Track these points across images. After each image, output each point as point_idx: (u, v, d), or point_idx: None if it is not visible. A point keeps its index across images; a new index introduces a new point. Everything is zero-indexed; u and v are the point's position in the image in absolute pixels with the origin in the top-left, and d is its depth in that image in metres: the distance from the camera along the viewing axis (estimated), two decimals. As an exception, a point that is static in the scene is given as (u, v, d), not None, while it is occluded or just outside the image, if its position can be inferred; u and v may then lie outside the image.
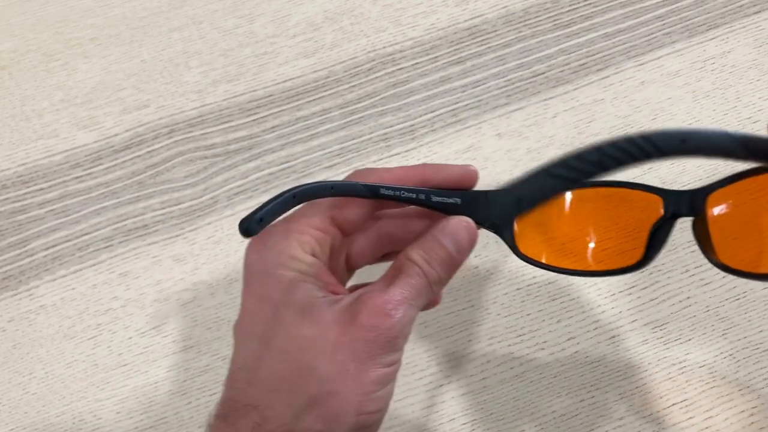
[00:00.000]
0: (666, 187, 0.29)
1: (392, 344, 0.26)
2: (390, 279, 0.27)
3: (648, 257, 0.29)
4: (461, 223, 0.29)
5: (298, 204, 0.28)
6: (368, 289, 0.27)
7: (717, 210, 0.28)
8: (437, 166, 0.30)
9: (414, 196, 0.29)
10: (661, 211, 0.28)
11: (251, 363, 0.27)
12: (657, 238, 0.29)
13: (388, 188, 0.28)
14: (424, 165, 0.30)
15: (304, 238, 0.28)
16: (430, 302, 0.31)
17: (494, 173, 0.46)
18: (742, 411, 0.39)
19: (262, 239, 0.28)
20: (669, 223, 0.29)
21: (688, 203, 0.28)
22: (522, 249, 0.30)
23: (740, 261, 0.28)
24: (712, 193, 0.28)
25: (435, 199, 0.29)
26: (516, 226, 0.30)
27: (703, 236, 0.28)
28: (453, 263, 0.28)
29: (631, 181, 0.29)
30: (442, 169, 0.30)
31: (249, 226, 0.26)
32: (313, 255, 0.28)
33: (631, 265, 0.29)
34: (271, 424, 0.25)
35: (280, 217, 0.28)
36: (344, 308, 0.27)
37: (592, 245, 0.31)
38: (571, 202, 0.30)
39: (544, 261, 0.30)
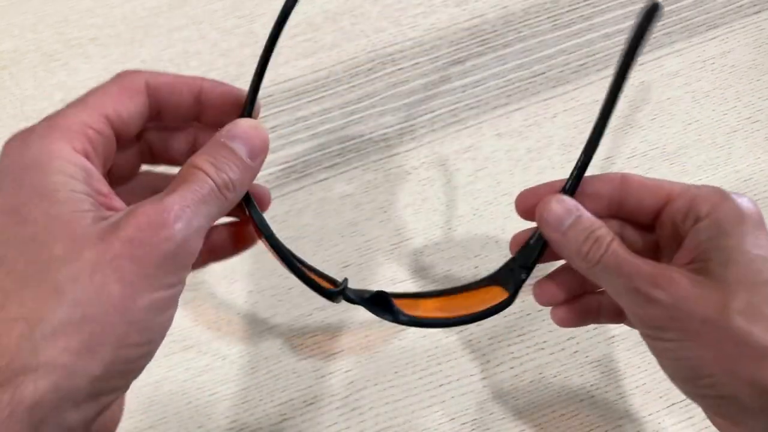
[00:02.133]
0: None
1: (172, 262, 0.22)
2: (169, 190, 0.23)
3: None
4: (250, 123, 0.26)
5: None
6: (143, 202, 0.23)
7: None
8: (216, 82, 0.28)
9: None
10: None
11: (21, 333, 0.21)
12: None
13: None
14: (202, 78, 0.27)
15: (73, 135, 0.23)
16: (240, 225, 0.28)
17: (494, 173, 0.46)
18: (742, 411, 0.39)
19: (22, 135, 0.24)
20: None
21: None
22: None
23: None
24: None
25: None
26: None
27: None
28: (246, 168, 0.25)
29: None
30: (220, 86, 0.28)
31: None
32: (86, 156, 0.24)
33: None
34: (3, 361, 0.20)
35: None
36: (112, 223, 0.22)
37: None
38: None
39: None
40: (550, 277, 0.33)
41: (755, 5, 0.52)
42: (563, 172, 0.46)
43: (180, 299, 0.41)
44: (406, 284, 0.43)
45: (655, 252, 0.31)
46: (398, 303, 0.32)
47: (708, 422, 0.37)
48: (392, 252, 0.44)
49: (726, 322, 0.25)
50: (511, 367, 0.41)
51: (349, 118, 0.49)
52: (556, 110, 0.49)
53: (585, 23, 0.52)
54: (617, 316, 0.33)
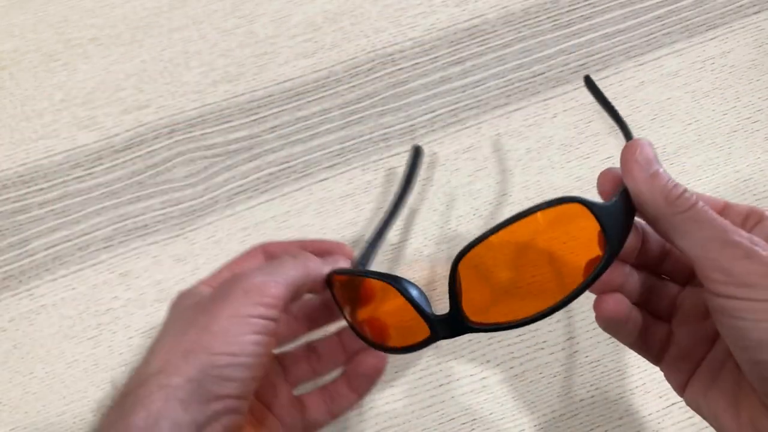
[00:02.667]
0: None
1: (247, 298, 0.29)
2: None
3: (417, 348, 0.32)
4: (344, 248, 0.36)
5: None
6: None
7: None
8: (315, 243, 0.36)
9: None
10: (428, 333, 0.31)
11: (142, 362, 0.30)
12: (421, 347, 0.32)
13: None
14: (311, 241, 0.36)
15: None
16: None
17: (494, 173, 0.46)
18: (742, 411, 0.39)
19: (177, 300, 0.33)
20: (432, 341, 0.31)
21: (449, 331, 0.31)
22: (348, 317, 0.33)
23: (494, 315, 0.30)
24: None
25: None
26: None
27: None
28: (319, 265, 0.33)
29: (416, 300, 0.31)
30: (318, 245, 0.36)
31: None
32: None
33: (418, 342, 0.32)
34: (134, 375, 0.28)
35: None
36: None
37: (387, 327, 0.33)
38: (376, 289, 0.33)
39: (360, 331, 0.33)
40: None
41: (755, 5, 0.52)
42: (563, 172, 0.47)
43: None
44: (406, 284, 0.43)
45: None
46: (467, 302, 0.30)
47: (707, 423, 0.37)
48: (392, 252, 0.44)
49: None
50: (511, 367, 0.41)
51: (349, 118, 0.49)
52: (556, 110, 0.49)
53: (585, 23, 0.52)
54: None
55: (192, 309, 0.31)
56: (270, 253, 0.35)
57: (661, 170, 0.28)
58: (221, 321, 0.29)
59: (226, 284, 0.31)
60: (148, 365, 0.28)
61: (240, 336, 0.29)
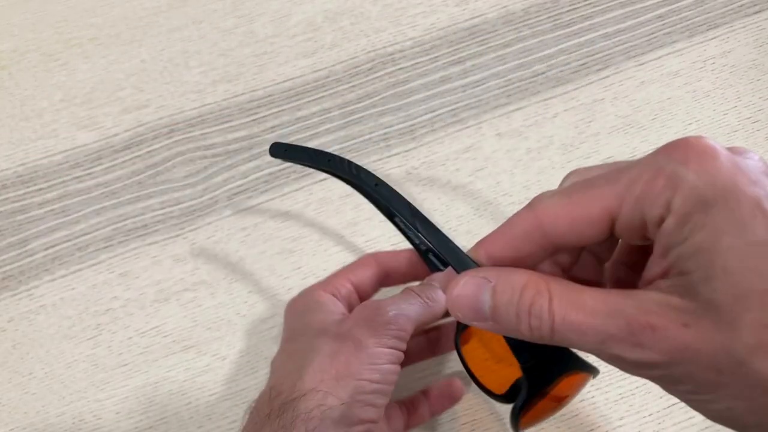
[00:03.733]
0: None
1: (387, 329, 0.31)
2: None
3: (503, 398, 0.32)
4: (439, 276, 0.35)
5: (323, 167, 0.34)
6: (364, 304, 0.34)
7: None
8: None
9: (418, 242, 0.33)
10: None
11: (276, 365, 0.33)
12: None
13: (404, 222, 0.33)
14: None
15: (329, 286, 0.35)
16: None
17: (494, 173, 0.46)
18: (743, 411, 0.39)
19: (295, 296, 0.36)
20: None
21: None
22: (461, 344, 0.33)
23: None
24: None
25: (430, 256, 0.33)
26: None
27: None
28: (439, 297, 0.34)
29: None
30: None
31: (276, 150, 0.33)
32: (337, 299, 0.35)
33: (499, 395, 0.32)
34: (284, 392, 0.30)
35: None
36: (346, 317, 0.34)
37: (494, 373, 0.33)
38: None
39: (470, 367, 0.33)
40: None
41: (756, 5, 0.52)
42: (563, 171, 0.46)
43: (180, 300, 0.42)
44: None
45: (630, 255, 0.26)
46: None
47: (708, 422, 0.37)
48: (392, 252, 0.44)
49: (742, 368, 0.19)
50: (511, 368, 0.41)
51: (349, 118, 0.49)
52: (556, 110, 0.48)
53: (585, 23, 0.52)
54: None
55: (330, 328, 0.32)
56: (381, 263, 0.37)
57: (494, 311, 0.23)
58: (369, 349, 0.31)
59: (366, 312, 0.32)
60: (301, 380, 0.30)
61: (383, 365, 0.31)
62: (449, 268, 0.30)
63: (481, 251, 0.25)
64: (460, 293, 0.24)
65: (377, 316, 0.32)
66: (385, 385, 0.31)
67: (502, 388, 0.31)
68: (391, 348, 0.31)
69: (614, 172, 0.22)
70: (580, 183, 0.23)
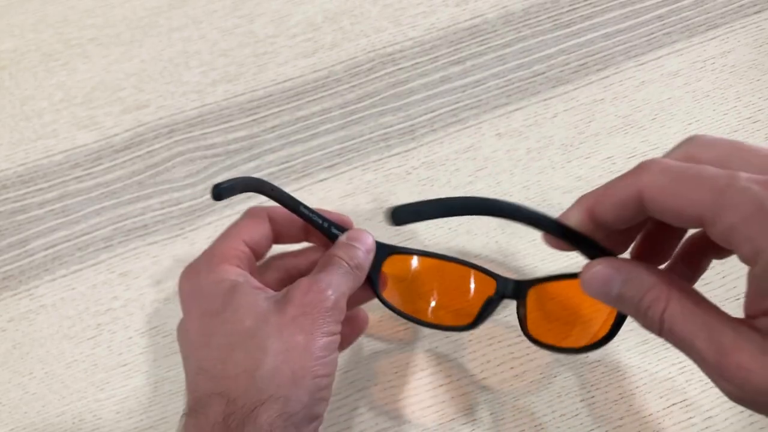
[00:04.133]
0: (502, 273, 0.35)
1: (331, 315, 0.30)
2: (317, 271, 0.32)
3: (476, 323, 0.35)
4: (361, 232, 0.35)
5: (254, 191, 0.33)
6: (300, 280, 0.32)
7: (535, 298, 0.34)
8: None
9: (320, 222, 0.34)
10: (493, 291, 0.34)
11: (208, 365, 0.30)
12: (486, 310, 0.35)
13: (306, 208, 0.34)
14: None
15: (229, 256, 0.33)
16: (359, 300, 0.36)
17: (494, 173, 0.46)
18: (742, 411, 0.39)
19: (191, 269, 0.33)
20: (497, 301, 0.35)
21: (514, 290, 0.34)
22: (383, 293, 0.36)
23: (547, 337, 0.34)
24: (534, 285, 0.34)
25: (333, 230, 0.35)
26: (381, 275, 0.35)
27: (521, 314, 0.35)
28: (364, 257, 0.34)
29: (475, 263, 0.36)
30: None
31: (221, 191, 0.31)
32: (240, 268, 0.33)
33: (462, 325, 0.35)
34: (239, 403, 0.29)
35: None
36: (279, 298, 0.31)
37: (434, 303, 0.37)
38: (427, 268, 0.37)
39: (396, 306, 0.36)
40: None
41: (755, 5, 0.52)
42: (563, 171, 0.47)
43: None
44: (406, 284, 0.43)
45: None
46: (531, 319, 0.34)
47: (708, 423, 0.37)
48: (392, 252, 0.44)
49: None
50: (511, 367, 0.41)
51: (349, 118, 0.49)
52: (556, 110, 0.49)
53: (585, 23, 0.52)
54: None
55: (269, 318, 0.30)
56: (274, 219, 0.35)
57: (617, 299, 0.26)
58: (318, 342, 0.30)
59: (309, 297, 0.31)
60: (255, 386, 0.29)
61: (330, 355, 0.30)
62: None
63: (583, 207, 0.28)
64: (594, 276, 0.27)
65: (320, 302, 0.30)
66: (333, 376, 0.31)
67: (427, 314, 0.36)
68: (334, 335, 0.31)
69: (724, 178, 0.23)
70: (691, 170, 0.24)
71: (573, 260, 0.41)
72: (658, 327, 0.25)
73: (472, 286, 0.36)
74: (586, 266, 0.27)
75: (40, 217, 0.46)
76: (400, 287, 0.37)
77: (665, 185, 0.24)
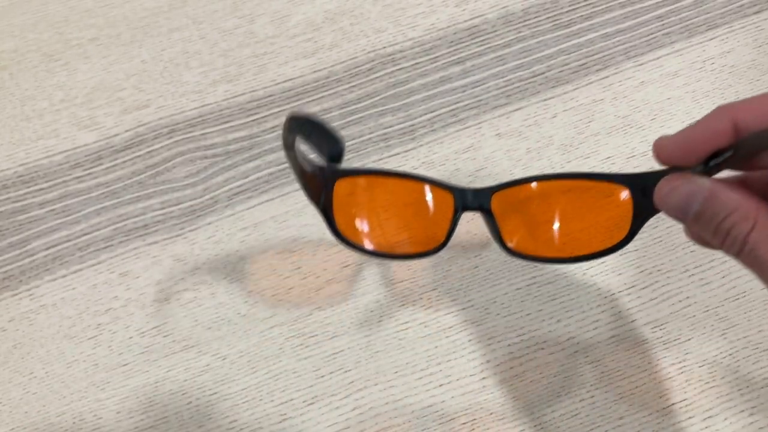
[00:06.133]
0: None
1: None
2: None
3: (446, 243, 0.32)
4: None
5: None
6: None
7: (502, 207, 0.31)
8: None
9: None
10: (452, 206, 0.31)
11: None
12: (452, 228, 0.32)
13: None
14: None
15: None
16: None
17: (494, 173, 0.46)
18: (742, 411, 0.39)
19: None
20: (458, 214, 0.32)
21: (474, 199, 0.31)
22: (339, 227, 0.32)
23: (524, 248, 0.31)
24: (497, 192, 0.31)
25: None
26: (334, 205, 0.32)
27: (492, 226, 0.32)
28: None
29: (430, 177, 0.32)
30: None
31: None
32: None
33: (430, 249, 0.32)
34: None
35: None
36: None
37: (395, 231, 0.33)
38: (380, 191, 0.33)
39: (353, 240, 0.33)
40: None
41: (755, 5, 0.52)
42: (563, 171, 0.47)
43: (180, 300, 0.42)
44: (405, 284, 0.43)
45: None
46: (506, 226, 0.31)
47: (708, 422, 0.37)
48: (392, 252, 0.44)
49: None
50: (511, 367, 0.41)
51: (348, 119, 0.49)
52: (556, 110, 0.49)
53: (585, 23, 0.52)
54: None
55: None
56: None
57: (695, 218, 0.25)
58: None
59: None
60: None
61: None
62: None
63: (726, 116, 0.26)
64: (674, 192, 0.26)
65: None
66: None
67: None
68: None
69: None
70: None
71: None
72: (738, 248, 0.24)
73: (431, 204, 0.33)
74: (665, 181, 0.26)
75: (40, 217, 0.46)
76: (354, 216, 0.34)
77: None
